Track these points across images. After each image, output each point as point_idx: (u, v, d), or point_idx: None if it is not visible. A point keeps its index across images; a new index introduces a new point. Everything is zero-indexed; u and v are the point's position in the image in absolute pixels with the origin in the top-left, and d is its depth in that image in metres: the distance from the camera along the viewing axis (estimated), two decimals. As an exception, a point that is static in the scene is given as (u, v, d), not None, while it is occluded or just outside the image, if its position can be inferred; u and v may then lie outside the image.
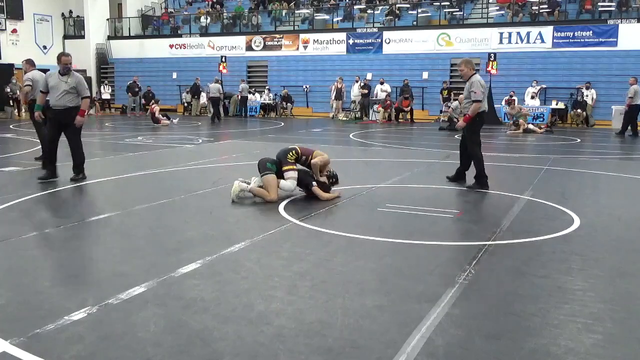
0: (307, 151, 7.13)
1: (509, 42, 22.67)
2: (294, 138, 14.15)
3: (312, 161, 7.01)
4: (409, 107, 22.15)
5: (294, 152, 7.00)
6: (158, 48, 29.38)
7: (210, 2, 31.10)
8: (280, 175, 6.87)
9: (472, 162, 7.99)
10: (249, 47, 27.44)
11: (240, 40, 27.71)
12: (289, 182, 6.86)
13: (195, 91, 25.60)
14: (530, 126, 17.71)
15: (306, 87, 25.52)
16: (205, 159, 10.80)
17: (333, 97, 24.14)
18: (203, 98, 25.65)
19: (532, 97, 21.27)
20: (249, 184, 6.93)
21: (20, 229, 5.47)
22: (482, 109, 7.83)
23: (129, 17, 31.05)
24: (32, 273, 4.23)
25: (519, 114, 17.68)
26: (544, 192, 7.51)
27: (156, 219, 6.04)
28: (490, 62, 20.77)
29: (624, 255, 4.84)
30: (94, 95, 29.04)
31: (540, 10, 23.23)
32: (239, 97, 25.08)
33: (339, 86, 23.88)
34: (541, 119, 20.08)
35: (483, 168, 7.82)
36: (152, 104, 21.29)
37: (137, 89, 25.71)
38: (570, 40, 21.78)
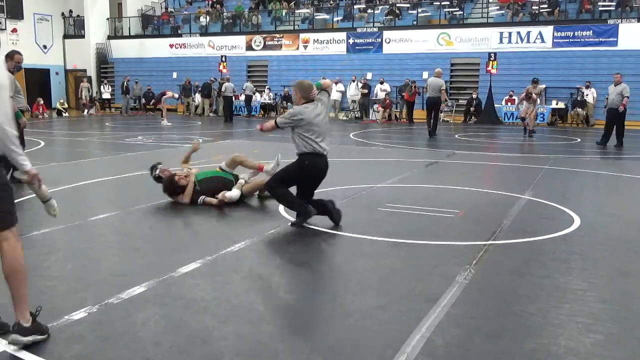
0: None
1: (509, 41, 22.63)
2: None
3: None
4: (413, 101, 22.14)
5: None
6: (158, 48, 29.34)
7: (210, 2, 31.08)
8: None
9: None
10: (249, 47, 27.41)
11: (240, 40, 27.68)
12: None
13: (207, 91, 24.94)
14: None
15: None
16: (204, 159, 10.79)
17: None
18: (198, 99, 25.44)
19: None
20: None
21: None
22: None
23: (129, 17, 31.03)
24: (32, 273, 4.22)
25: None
26: (544, 192, 7.51)
27: (156, 219, 6.04)
28: (490, 62, 20.75)
29: (624, 255, 4.84)
30: (94, 94, 29.06)
31: (540, 10, 23.22)
32: (222, 97, 22.74)
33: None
34: (541, 119, 20.08)
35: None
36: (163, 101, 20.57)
37: (128, 88, 25.78)
38: (570, 39, 21.75)
